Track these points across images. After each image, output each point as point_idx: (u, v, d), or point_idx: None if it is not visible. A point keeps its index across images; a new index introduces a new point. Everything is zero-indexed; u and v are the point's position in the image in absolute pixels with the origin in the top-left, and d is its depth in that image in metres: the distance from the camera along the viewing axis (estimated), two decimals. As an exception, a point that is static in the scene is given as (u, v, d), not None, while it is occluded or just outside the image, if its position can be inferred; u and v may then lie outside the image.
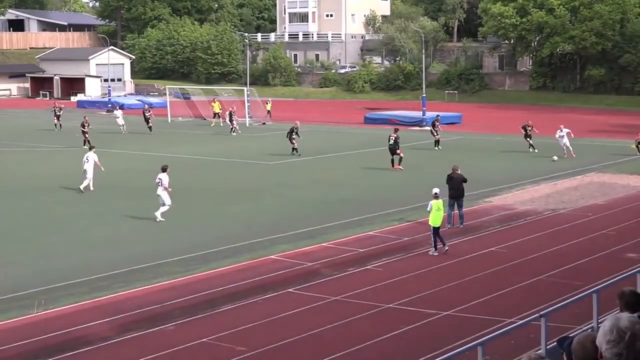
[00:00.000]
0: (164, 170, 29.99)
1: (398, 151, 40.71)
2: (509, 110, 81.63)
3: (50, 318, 19.02)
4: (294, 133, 46.31)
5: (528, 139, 47.53)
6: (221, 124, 64.66)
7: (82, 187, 35.04)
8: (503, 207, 32.14)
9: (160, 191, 29.35)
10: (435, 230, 24.67)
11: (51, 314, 19.33)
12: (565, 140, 44.93)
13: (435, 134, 49.79)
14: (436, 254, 24.58)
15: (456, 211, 28.37)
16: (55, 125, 60.50)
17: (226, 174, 39.95)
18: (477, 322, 18.25)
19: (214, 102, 68.18)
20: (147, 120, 58.97)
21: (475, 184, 31.82)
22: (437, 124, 50.73)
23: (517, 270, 23.01)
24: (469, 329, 17.62)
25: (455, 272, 22.85)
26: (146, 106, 64.99)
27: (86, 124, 50.73)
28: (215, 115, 66.47)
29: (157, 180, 29.52)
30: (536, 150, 46.68)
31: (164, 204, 29.22)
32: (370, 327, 18.23)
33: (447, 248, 24.80)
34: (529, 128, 47.82)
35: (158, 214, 29.09)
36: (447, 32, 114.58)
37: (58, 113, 61.19)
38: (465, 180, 28.39)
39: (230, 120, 59.13)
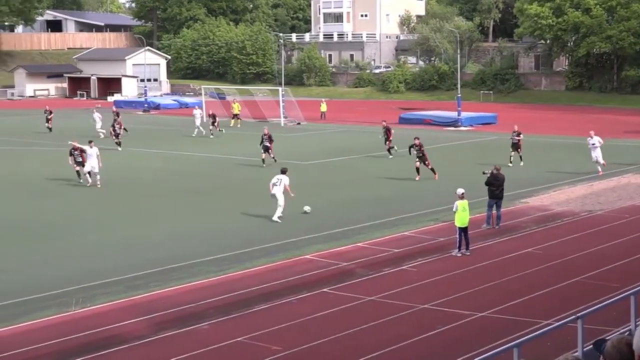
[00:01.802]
0: (283, 172, 30.07)
1: (427, 162, 38.21)
2: (544, 110, 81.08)
3: (87, 316, 19.17)
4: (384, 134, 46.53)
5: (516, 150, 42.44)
6: (239, 125, 64.71)
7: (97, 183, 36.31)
8: (539, 208, 31.90)
9: (276, 190, 29.28)
10: (462, 230, 24.58)
11: (88, 312, 19.49)
12: (598, 153, 39.22)
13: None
14: (459, 255, 24.48)
15: (494, 212, 28.25)
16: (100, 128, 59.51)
17: (261, 173, 39.95)
18: (513, 324, 18.13)
19: (234, 103, 68.41)
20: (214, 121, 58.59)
21: (511, 184, 31.62)
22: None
23: (553, 272, 22.83)
24: (505, 331, 17.52)
25: (491, 273, 22.72)
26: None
27: (117, 125, 50.64)
28: (235, 116, 66.69)
29: (276, 181, 29.49)
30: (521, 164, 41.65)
31: (280, 205, 29.25)
32: (405, 328, 18.17)
33: (469, 253, 24.65)
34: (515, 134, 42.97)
35: (276, 217, 29.14)
36: (482, 32, 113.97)
37: (96, 114, 60.06)
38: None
39: (213, 123, 57.51)
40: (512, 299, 20.13)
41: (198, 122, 58.22)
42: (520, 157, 42.23)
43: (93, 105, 75.46)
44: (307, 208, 30.63)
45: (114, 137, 49.98)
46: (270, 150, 42.71)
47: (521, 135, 42.86)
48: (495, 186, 28.17)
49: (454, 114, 67.10)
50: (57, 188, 36.79)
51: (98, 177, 36.68)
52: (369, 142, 54.15)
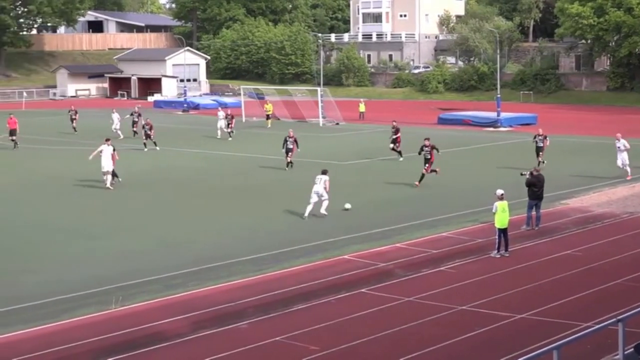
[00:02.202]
0: (324, 172, 30.86)
1: (427, 167, 36.44)
2: (585, 111, 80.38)
3: (126, 315, 19.34)
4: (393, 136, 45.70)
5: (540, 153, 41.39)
6: (268, 126, 64.86)
7: (108, 184, 35.95)
8: (580, 209, 31.63)
9: (318, 188, 30.09)
10: (501, 231, 24.44)
11: (127, 310, 19.66)
12: (624, 156, 37.89)
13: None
14: (498, 256, 24.35)
15: (534, 213, 28.08)
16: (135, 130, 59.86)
17: (297, 173, 40.06)
18: (553, 326, 18.00)
19: (267, 104, 68.58)
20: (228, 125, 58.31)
21: (551, 185, 31.37)
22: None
23: (593, 274, 22.63)
24: (544, 333, 17.40)
25: (531, 275, 22.56)
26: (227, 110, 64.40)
27: (147, 126, 50.63)
28: (268, 116, 66.87)
29: (317, 179, 30.33)
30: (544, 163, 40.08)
31: (325, 199, 30.07)
32: (443, 329, 18.11)
33: (508, 254, 24.49)
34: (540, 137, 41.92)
35: (323, 209, 30.03)
36: (522, 32, 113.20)
37: (135, 119, 58.75)
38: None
39: (228, 125, 56.49)
40: (551, 300, 19.98)
41: (221, 123, 57.85)
42: (542, 161, 40.28)
43: (133, 105, 76.01)
44: (347, 205, 31.16)
45: (144, 137, 50.18)
46: (290, 154, 41.51)
47: (547, 140, 41.70)
48: (536, 187, 28.00)
49: (493, 115, 66.73)
50: (95, 188, 37.13)
51: (109, 177, 36.24)
52: (408, 143, 54.00)
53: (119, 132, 56.78)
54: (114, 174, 36.76)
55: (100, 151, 36.43)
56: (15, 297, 20.36)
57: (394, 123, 47.03)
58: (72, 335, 17.80)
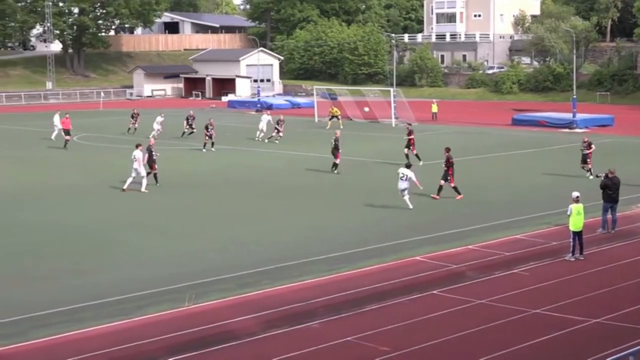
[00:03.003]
0: (408, 167, 31.96)
1: (449, 179, 33.82)
2: (665, 112, 78.68)
3: (199, 312, 19.54)
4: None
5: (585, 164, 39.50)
6: (341, 127, 64.70)
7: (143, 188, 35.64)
8: (657, 212, 30.96)
9: (405, 185, 31.07)
10: (576, 234, 24.03)
11: (200, 308, 19.86)
12: None
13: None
14: (572, 259, 23.95)
15: (609, 216, 27.58)
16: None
17: (371, 174, 40.03)
18: (629, 331, 17.66)
19: (333, 108, 68.38)
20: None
21: (627, 188, 30.80)
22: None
23: (672, 279, 22.12)
24: (620, 338, 17.08)
25: (606, 278, 22.17)
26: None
27: (210, 126, 50.77)
28: (333, 117, 66.87)
29: (402, 175, 31.16)
30: (591, 177, 37.91)
31: (407, 195, 31.15)
32: (516, 333, 17.90)
33: (583, 257, 24.07)
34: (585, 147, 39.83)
35: (409, 204, 31.09)
36: (600, 32, 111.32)
37: (191, 123, 58.61)
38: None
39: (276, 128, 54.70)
40: (627, 305, 19.60)
41: (262, 125, 56.96)
42: (590, 170, 38.90)
43: (208, 105, 76.89)
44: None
45: (207, 139, 50.33)
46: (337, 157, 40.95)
47: (592, 147, 39.88)
48: (611, 189, 27.49)
49: (568, 116, 65.76)
50: (167, 187, 37.61)
51: (144, 181, 35.88)
52: (481, 144, 53.56)
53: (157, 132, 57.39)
54: (154, 176, 36.97)
55: (134, 157, 35.98)
56: (90, 295, 20.73)
57: (409, 127, 45.75)
58: (145, 333, 18.05)
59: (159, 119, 57.96)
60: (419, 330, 18.18)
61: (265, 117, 57.91)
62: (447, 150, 34.29)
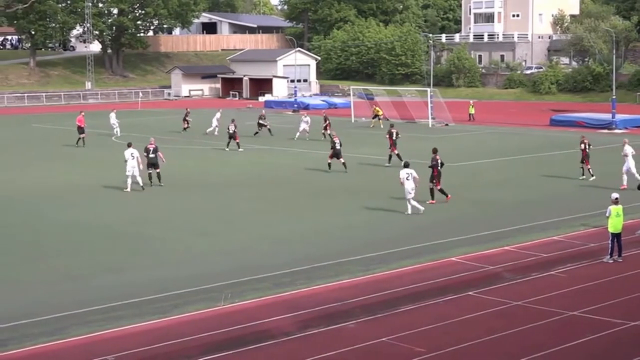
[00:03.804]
0: (407, 166, 31.11)
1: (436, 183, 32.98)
2: None
3: (235, 311, 19.65)
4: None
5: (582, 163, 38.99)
6: (382, 126, 64.89)
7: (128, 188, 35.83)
8: (698, 214, 30.58)
9: (410, 185, 30.37)
10: (615, 236, 23.81)
11: (236, 307, 19.97)
12: (629, 164, 36.04)
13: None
14: (611, 261, 23.75)
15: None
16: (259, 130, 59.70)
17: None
18: (667, 334, 17.49)
19: (375, 108, 68.74)
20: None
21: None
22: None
23: None
24: (658, 341, 16.93)
25: (645, 281, 21.98)
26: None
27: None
28: (376, 116, 67.01)
29: (406, 175, 30.50)
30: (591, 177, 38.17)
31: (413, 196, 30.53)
32: (553, 335, 17.80)
33: (621, 259, 23.86)
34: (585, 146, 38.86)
35: (417, 205, 30.43)
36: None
37: (263, 122, 59.53)
38: None
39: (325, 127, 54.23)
40: (666, 308, 19.41)
41: (304, 125, 56.98)
42: (588, 170, 38.51)
43: (245, 105, 77.19)
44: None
45: (230, 138, 50.46)
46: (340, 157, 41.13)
47: (589, 147, 38.80)
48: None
49: (607, 116, 65.17)
50: (203, 185, 37.84)
51: (129, 181, 35.91)
52: (518, 144, 53.24)
53: (217, 129, 58.68)
54: (157, 175, 37.02)
55: (131, 154, 35.85)
56: (127, 293, 20.93)
57: (392, 129, 44.61)
58: (182, 331, 18.20)
59: (218, 115, 59.79)
60: (454, 331, 18.14)
61: (306, 118, 58.11)
62: (435, 151, 33.26)
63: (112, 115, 59.66)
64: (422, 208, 30.59)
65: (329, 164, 41.36)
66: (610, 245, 23.97)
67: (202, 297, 20.70)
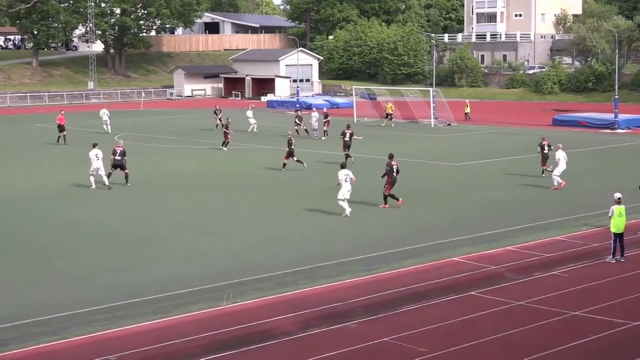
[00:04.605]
0: (344, 167, 31.20)
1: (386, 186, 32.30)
2: None
3: (237, 311, 19.65)
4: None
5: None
6: (392, 125, 65.24)
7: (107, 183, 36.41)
8: (701, 215, 30.55)
9: (349, 186, 30.23)
10: (617, 236, 23.79)
11: (238, 307, 19.98)
12: (560, 167, 35.99)
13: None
14: (613, 261, 23.74)
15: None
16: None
17: (410, 174, 39.91)
18: (670, 335, 17.47)
19: (388, 104, 68.74)
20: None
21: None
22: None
23: None
24: (661, 341, 16.92)
25: (647, 282, 21.96)
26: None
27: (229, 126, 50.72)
28: (388, 116, 67.15)
29: (344, 177, 30.34)
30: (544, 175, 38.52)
31: (346, 199, 30.29)
32: (555, 335, 17.79)
33: (624, 259, 23.84)
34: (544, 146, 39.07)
35: (348, 212, 30.16)
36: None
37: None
38: None
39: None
40: (669, 308, 19.40)
41: (314, 124, 57.37)
42: (545, 170, 38.66)
43: (247, 105, 77.21)
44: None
45: (229, 138, 50.46)
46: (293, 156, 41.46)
47: (550, 149, 38.74)
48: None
49: (610, 116, 65.14)
50: (204, 185, 37.86)
51: (92, 179, 36.60)
52: (521, 144, 53.21)
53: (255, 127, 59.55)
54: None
55: (96, 155, 36.58)
56: (130, 293, 20.96)
57: (348, 131, 44.93)
58: (184, 331, 18.21)
59: (249, 113, 61.28)
60: (457, 331, 18.14)
61: (315, 116, 58.17)
62: (391, 157, 32.40)
63: (105, 112, 61.44)
64: (350, 210, 30.22)
65: (284, 164, 41.51)
66: (612, 245, 23.96)
67: (204, 297, 20.71)
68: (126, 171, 37.51)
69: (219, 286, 21.47)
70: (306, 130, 58.22)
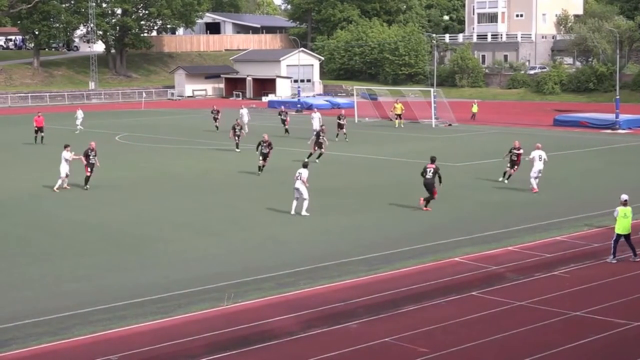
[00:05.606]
0: (305, 166, 31.22)
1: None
2: None
3: (238, 311, 19.66)
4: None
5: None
6: (402, 125, 65.38)
7: (59, 185, 36.35)
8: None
9: (299, 184, 30.45)
10: (621, 237, 23.75)
11: (239, 307, 19.99)
12: (536, 168, 35.47)
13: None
14: (614, 261, 23.72)
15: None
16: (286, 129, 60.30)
17: (411, 174, 39.90)
18: (671, 335, 17.48)
19: (397, 103, 68.70)
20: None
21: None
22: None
23: None
24: (662, 341, 16.93)
25: (648, 282, 21.96)
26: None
27: (237, 126, 50.30)
28: (398, 116, 67.21)
29: (297, 175, 30.56)
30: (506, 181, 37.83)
31: (305, 199, 30.43)
32: (556, 335, 17.81)
33: (638, 259, 23.84)
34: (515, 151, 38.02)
35: (304, 211, 30.34)
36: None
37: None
38: None
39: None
40: (670, 309, 19.40)
41: (316, 125, 56.27)
42: (509, 175, 37.89)
43: (248, 104, 77.23)
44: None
45: (235, 139, 50.13)
46: (267, 158, 40.65)
47: (521, 151, 38.02)
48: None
49: (611, 116, 65.16)
50: (207, 185, 37.87)
51: (59, 182, 36.49)
52: (522, 144, 53.14)
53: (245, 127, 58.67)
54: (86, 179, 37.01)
55: (66, 158, 36.60)
56: (131, 293, 20.97)
57: (322, 128, 45.75)
58: (185, 331, 18.22)
59: (243, 111, 61.86)
60: (458, 331, 18.15)
61: (316, 116, 57.97)
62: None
63: (80, 112, 62.82)
64: (307, 214, 30.37)
65: (259, 167, 40.80)
66: (612, 245, 23.94)
67: (205, 297, 20.72)
68: (88, 174, 37.01)
69: (220, 286, 21.48)
70: (286, 130, 58.27)
